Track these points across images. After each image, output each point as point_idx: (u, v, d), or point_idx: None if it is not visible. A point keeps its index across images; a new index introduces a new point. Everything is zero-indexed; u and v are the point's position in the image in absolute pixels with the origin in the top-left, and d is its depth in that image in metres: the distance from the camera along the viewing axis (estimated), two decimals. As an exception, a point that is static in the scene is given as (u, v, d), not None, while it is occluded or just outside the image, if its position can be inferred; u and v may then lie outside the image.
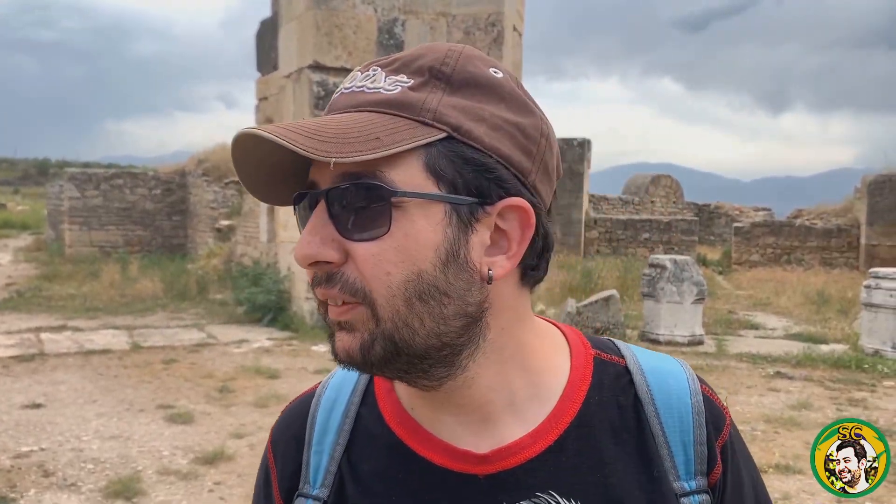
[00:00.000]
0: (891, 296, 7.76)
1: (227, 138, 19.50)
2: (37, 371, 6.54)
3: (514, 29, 9.04)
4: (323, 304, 0.67)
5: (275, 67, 9.93)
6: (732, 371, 7.19)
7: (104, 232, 16.28)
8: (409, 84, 0.64)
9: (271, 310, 8.96)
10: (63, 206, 16.64)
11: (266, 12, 11.05)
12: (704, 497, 0.71)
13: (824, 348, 8.19)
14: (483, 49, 8.47)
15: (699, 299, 8.54)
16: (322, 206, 0.64)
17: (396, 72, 0.65)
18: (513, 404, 0.71)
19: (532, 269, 0.69)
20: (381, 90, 0.64)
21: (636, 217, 19.00)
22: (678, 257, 8.96)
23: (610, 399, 0.73)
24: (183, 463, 4.46)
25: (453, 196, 0.63)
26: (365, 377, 0.77)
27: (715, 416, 0.74)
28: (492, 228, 0.65)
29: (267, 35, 10.75)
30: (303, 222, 0.67)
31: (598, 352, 0.76)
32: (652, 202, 21.57)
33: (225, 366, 6.91)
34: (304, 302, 8.58)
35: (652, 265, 8.77)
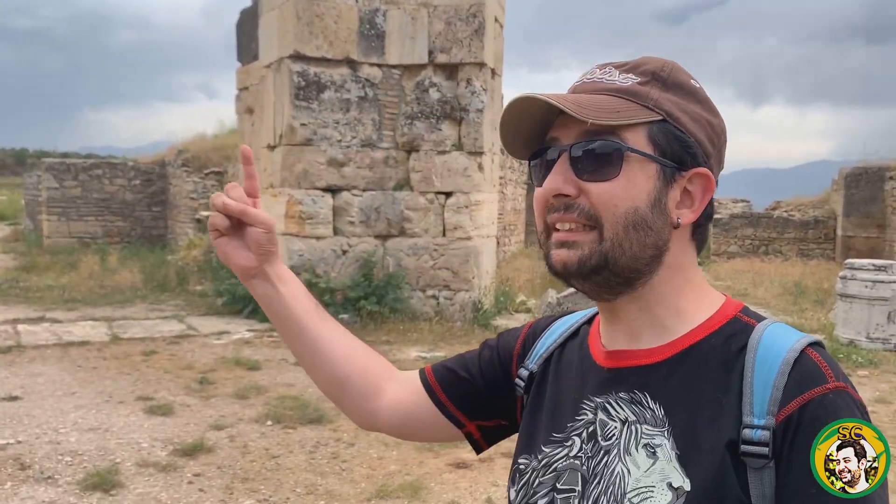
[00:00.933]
0: (865, 286, 7.88)
1: (208, 129, 19.33)
2: (14, 363, 6.49)
3: (496, 20, 9.03)
4: (546, 231, 0.92)
5: (255, 57, 9.85)
6: (710, 361, 7.29)
7: (83, 223, 16.13)
8: (638, 80, 0.89)
9: (251, 301, 8.91)
10: (41, 197, 16.45)
11: (246, 1, 10.95)
12: (765, 434, 0.81)
13: (800, 338, 8.31)
14: (464, 39, 8.47)
15: (678, 290, 8.63)
16: (566, 155, 0.88)
17: (627, 72, 0.90)
18: (653, 327, 0.91)
19: (699, 228, 0.92)
20: (617, 82, 0.89)
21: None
22: (657, 249, 9.04)
23: (724, 343, 0.88)
24: (162, 455, 4.45)
25: (664, 160, 0.87)
26: (587, 317, 1.06)
27: (805, 372, 0.82)
28: (682, 189, 0.89)
29: (247, 24, 10.66)
30: (539, 174, 0.92)
31: (742, 315, 0.91)
32: (633, 194, 21.77)
33: (205, 357, 6.89)
34: (284, 293, 8.56)
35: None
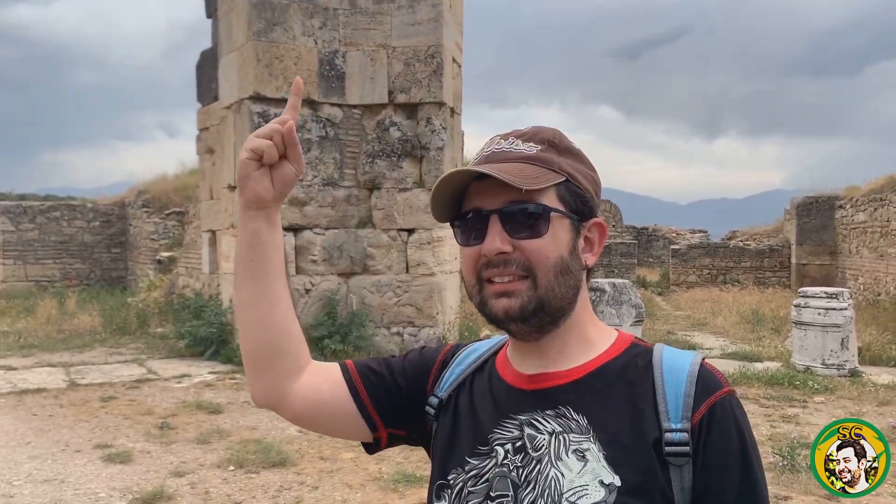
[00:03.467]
0: (819, 314, 8.08)
1: (169, 168, 19.18)
2: (-34, 413, 6.32)
3: (454, 60, 9.20)
4: (479, 283, 1.03)
5: (216, 98, 9.88)
6: (671, 391, 7.37)
7: (40, 266, 15.84)
8: (539, 148, 1.03)
9: (213, 343, 8.82)
10: (-4, 240, 16.14)
11: (207, 42, 10.99)
12: (684, 435, 0.96)
13: (759, 366, 8.46)
14: (424, 79, 8.61)
15: (638, 321, 8.74)
16: (496, 218, 1.01)
17: (528, 141, 1.04)
18: (567, 356, 1.05)
19: (590, 270, 1.08)
20: (523, 150, 1.03)
21: (579, 241, 19.34)
22: (617, 281, 9.16)
23: (631, 363, 1.04)
24: (120, 504, 4.36)
25: (572, 214, 1.04)
26: (499, 345, 1.16)
27: (707, 382, 1.00)
28: (584, 236, 1.06)
29: (207, 65, 10.69)
30: (466, 231, 1.05)
31: (638, 341, 1.09)
32: (594, 226, 22.00)
33: (165, 402, 6.78)
34: (247, 334, 8.48)
35: (592, 289, 8.96)
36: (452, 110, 9.11)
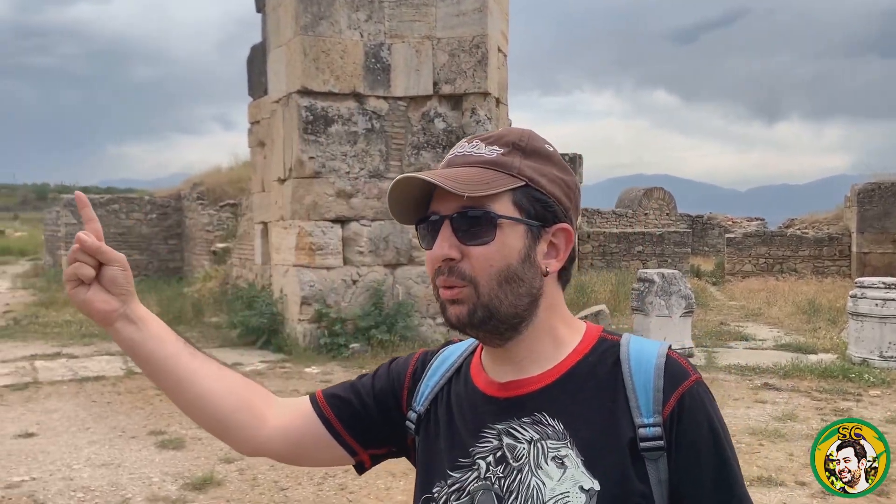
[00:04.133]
0: (876, 305, 7.84)
1: (223, 161, 19.62)
2: (30, 399, 6.61)
3: (499, 50, 9.17)
4: (436, 289, 1.03)
5: (265, 92, 10.05)
6: (720, 383, 7.26)
7: (101, 257, 16.37)
8: (501, 151, 1.01)
9: (265, 332, 9.03)
10: (60, 233, 16.75)
11: (257, 37, 11.18)
12: (657, 429, 0.97)
13: (813, 358, 8.26)
14: (469, 70, 8.61)
15: (687, 312, 8.62)
16: (447, 224, 1.00)
17: (491, 144, 1.02)
18: (537, 359, 1.04)
19: (564, 271, 1.06)
20: (483, 154, 1.01)
21: (629, 230, 19.10)
22: (666, 271, 9.04)
23: (600, 360, 1.04)
24: (172, 489, 4.52)
25: (529, 220, 1.00)
26: (469, 350, 1.16)
27: (674, 373, 1.00)
28: (548, 242, 1.03)
29: (257, 60, 10.88)
30: (425, 236, 1.04)
31: (605, 335, 1.08)
32: (645, 215, 21.67)
33: (217, 390, 6.96)
34: (297, 324, 8.66)
35: (641, 280, 8.86)
36: (497, 100, 9.08)
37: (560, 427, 1.00)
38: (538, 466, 0.98)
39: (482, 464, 1.02)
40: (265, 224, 10.15)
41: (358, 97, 8.69)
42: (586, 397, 1.01)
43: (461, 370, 1.15)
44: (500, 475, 1.00)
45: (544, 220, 1.02)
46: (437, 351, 1.20)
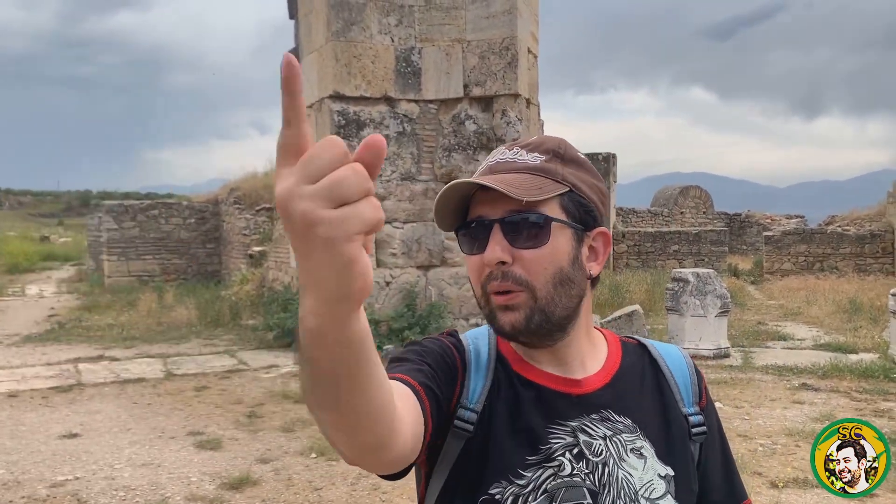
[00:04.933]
0: (918, 303, 7.67)
1: (259, 166, 19.87)
2: (74, 401, 6.80)
3: (529, 51, 9.17)
4: (486, 297, 1.02)
5: (298, 97, 10.19)
6: (757, 384, 7.17)
7: (141, 261, 16.73)
8: (544, 158, 1.04)
9: (300, 334, 9.13)
10: (102, 238, 17.14)
11: (290, 43, 11.33)
12: (700, 417, 1.12)
13: (853, 358, 8.11)
14: (499, 72, 8.63)
15: (723, 312, 8.52)
16: (497, 228, 1.01)
17: (532, 150, 1.05)
18: (584, 359, 1.09)
19: (596, 276, 1.10)
20: (528, 161, 1.04)
21: (665, 229, 18.90)
22: (701, 270, 8.95)
23: (636, 360, 1.14)
24: (210, 489, 4.62)
25: (575, 224, 1.04)
26: (492, 344, 1.12)
27: (698, 369, 1.18)
28: (588, 246, 1.07)
29: (290, 66, 11.03)
30: (470, 241, 1.04)
31: (625, 338, 1.18)
32: (681, 213, 21.42)
33: (254, 391, 7.10)
34: (331, 326, 8.75)
35: (675, 279, 8.78)
36: (528, 101, 9.08)
37: (629, 422, 1.07)
38: (621, 459, 1.03)
39: (564, 461, 1.02)
40: (300, 228, 10.27)
41: (389, 101, 8.76)
42: (641, 393, 1.10)
43: (498, 367, 1.08)
44: (587, 471, 1.02)
45: (586, 224, 1.05)
46: (459, 342, 1.11)
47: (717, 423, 1.17)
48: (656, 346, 1.17)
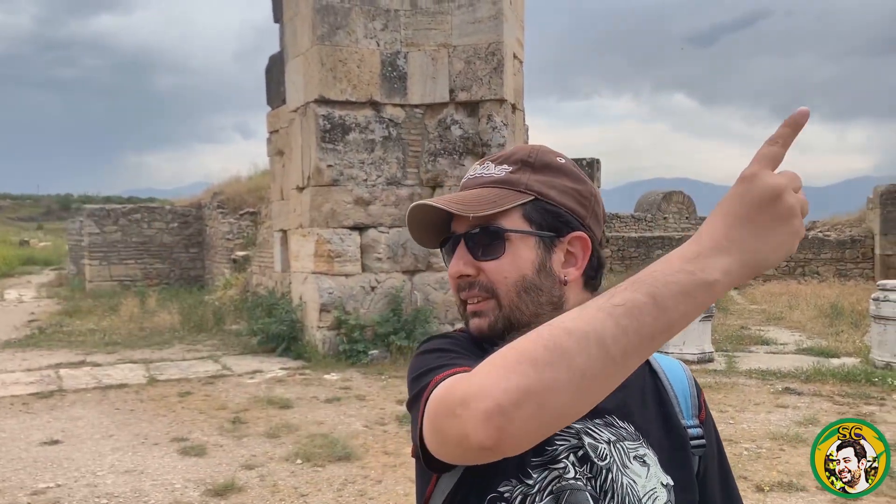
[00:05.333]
0: (899, 308, 7.75)
1: (243, 170, 19.81)
2: (55, 407, 6.71)
3: (515, 57, 9.20)
4: (462, 304, 1.08)
5: (284, 101, 10.15)
6: (741, 388, 7.21)
7: (123, 266, 16.60)
8: (510, 170, 1.06)
9: (285, 339, 9.10)
10: (83, 242, 16.99)
11: (275, 47, 11.31)
12: (699, 430, 1.11)
13: (835, 362, 8.18)
14: (484, 77, 8.65)
15: (707, 317, 8.58)
16: (462, 243, 1.06)
17: (501, 163, 1.07)
18: None
19: (591, 279, 1.10)
20: (493, 174, 1.07)
21: (648, 234, 19.01)
22: (685, 275, 9.00)
23: (637, 370, 1.00)
24: (194, 496, 4.57)
25: (539, 232, 1.05)
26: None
27: (696, 382, 1.17)
28: (564, 251, 1.06)
29: (275, 70, 10.99)
30: (448, 255, 1.09)
31: None
32: (665, 219, 21.55)
33: (238, 397, 7.04)
34: (316, 331, 8.72)
35: (659, 284, 8.82)
36: (514, 106, 9.11)
37: (631, 429, 1.05)
38: (625, 466, 1.02)
39: (567, 464, 1.01)
40: (284, 232, 10.24)
41: (375, 105, 8.75)
42: (642, 402, 1.09)
43: None
44: (589, 475, 1.01)
45: (557, 230, 1.05)
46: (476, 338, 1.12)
47: (716, 438, 1.17)
48: (656, 358, 1.16)
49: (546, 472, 1.00)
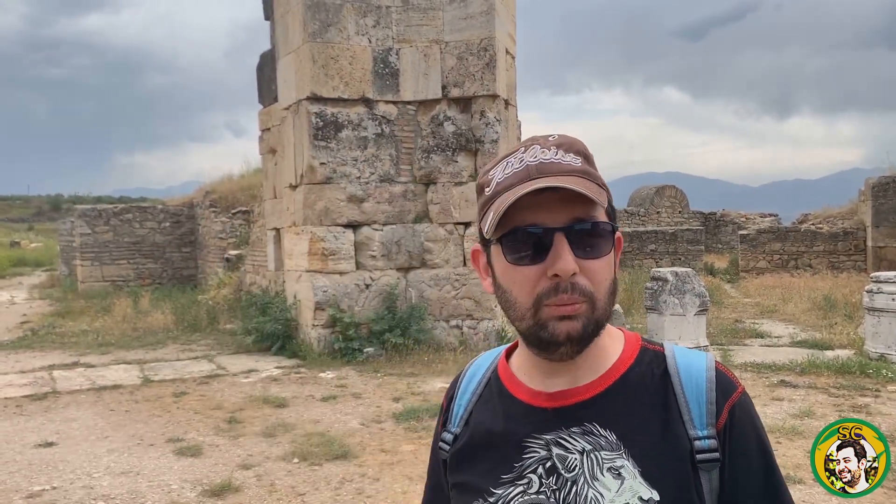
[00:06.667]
0: (892, 299, 7.77)
1: (235, 168, 19.75)
2: (49, 409, 6.67)
3: (507, 52, 9.18)
4: (535, 307, 0.97)
5: (276, 99, 10.10)
6: (736, 381, 7.22)
7: (115, 266, 16.51)
8: (580, 160, 0.98)
9: (279, 338, 9.07)
10: (75, 243, 16.89)
11: (266, 44, 11.24)
12: (713, 441, 0.98)
13: (829, 354, 8.20)
14: (477, 73, 8.62)
15: (702, 310, 8.58)
16: (562, 237, 0.94)
17: (568, 152, 0.98)
18: (588, 368, 1.03)
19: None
20: (571, 163, 0.98)
21: (641, 229, 19.03)
22: (679, 269, 9.00)
23: (647, 370, 1.03)
24: (191, 496, 4.55)
25: (616, 228, 1.00)
26: (494, 364, 1.14)
27: (724, 385, 1.02)
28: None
29: (267, 67, 10.93)
30: (516, 250, 0.97)
31: (646, 344, 1.07)
32: (657, 213, 21.58)
33: (234, 396, 7.01)
34: (311, 329, 8.69)
35: (654, 278, 8.83)
36: (507, 102, 9.09)
37: (613, 437, 0.99)
38: (594, 478, 0.97)
39: (533, 478, 0.99)
40: (277, 230, 10.20)
41: (367, 102, 8.72)
42: (638, 408, 1.00)
43: (490, 385, 1.12)
44: (554, 487, 0.98)
45: (615, 229, 1.02)
46: (463, 372, 1.19)
47: (757, 450, 1.01)
48: (678, 358, 1.04)
49: (512, 487, 1.00)
